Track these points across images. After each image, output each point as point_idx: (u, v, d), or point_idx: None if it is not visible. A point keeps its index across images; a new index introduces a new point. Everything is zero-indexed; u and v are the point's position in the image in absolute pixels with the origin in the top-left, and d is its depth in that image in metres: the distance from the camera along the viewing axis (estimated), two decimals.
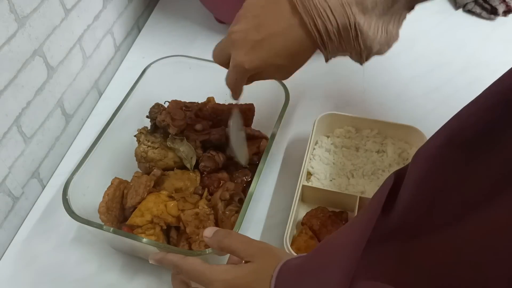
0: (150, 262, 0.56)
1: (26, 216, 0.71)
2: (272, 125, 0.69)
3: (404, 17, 0.53)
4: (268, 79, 0.58)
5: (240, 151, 0.68)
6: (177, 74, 0.75)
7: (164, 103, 0.73)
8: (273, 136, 0.67)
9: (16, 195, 0.69)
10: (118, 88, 0.89)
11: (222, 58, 0.57)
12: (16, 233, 0.69)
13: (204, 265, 0.51)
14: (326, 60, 0.54)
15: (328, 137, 0.77)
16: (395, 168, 0.72)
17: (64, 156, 0.79)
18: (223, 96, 0.74)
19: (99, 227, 0.58)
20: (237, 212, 0.63)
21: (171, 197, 0.64)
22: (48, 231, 0.69)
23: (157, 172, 0.67)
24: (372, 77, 0.91)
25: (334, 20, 0.48)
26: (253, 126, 0.76)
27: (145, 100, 0.73)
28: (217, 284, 0.48)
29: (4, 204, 0.67)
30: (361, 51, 0.51)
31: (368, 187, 0.70)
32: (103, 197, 0.63)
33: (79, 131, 0.82)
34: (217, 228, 0.53)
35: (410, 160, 0.72)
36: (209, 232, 0.52)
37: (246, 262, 0.50)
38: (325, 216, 0.67)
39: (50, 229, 0.70)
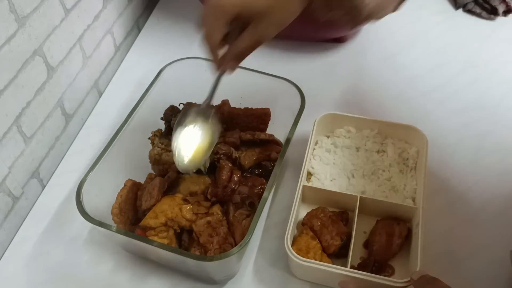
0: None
1: (26, 216, 0.71)
2: (284, 129, 0.68)
3: None
4: (251, 31, 0.52)
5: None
6: (192, 75, 0.74)
7: (179, 105, 0.72)
8: (288, 141, 0.66)
9: (16, 195, 0.69)
10: (118, 88, 0.89)
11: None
12: (16, 233, 0.69)
13: None
14: (319, 18, 0.52)
15: (328, 137, 0.77)
16: (396, 168, 0.72)
17: (64, 156, 0.78)
18: (238, 100, 0.74)
19: (110, 228, 0.57)
20: (248, 216, 0.62)
21: (185, 201, 0.64)
22: (48, 231, 0.69)
23: (172, 174, 0.66)
24: (372, 77, 0.91)
25: None
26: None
27: (160, 101, 0.72)
28: None
29: (4, 204, 0.67)
30: (351, 9, 0.50)
31: (368, 187, 0.70)
32: (116, 198, 0.63)
33: (79, 131, 0.82)
34: (425, 273, 0.52)
35: (410, 160, 0.73)
36: (416, 275, 0.52)
37: None
38: (326, 216, 0.67)
39: (50, 229, 0.70)
